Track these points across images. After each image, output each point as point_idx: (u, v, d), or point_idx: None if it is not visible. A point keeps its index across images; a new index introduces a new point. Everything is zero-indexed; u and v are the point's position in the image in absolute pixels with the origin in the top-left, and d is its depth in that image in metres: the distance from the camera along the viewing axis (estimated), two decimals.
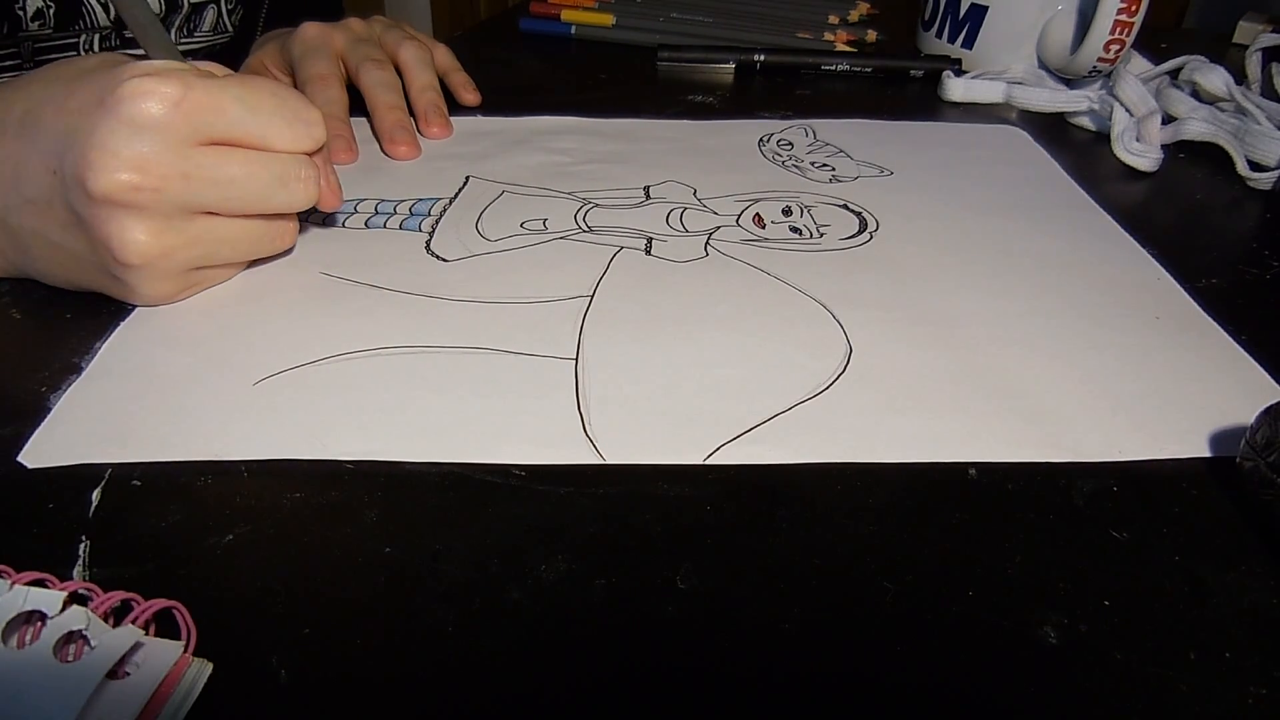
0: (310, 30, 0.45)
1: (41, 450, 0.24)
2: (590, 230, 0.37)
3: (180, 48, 0.52)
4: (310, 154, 0.31)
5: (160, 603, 0.20)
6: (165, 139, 0.27)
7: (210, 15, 0.52)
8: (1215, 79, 0.50)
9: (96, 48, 0.48)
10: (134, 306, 0.31)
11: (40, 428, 0.25)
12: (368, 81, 0.44)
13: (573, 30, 0.66)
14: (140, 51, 0.32)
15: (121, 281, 0.29)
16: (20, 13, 0.43)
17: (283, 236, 0.33)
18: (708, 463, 0.25)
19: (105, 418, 0.26)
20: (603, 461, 0.25)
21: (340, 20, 0.47)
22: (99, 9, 0.45)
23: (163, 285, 0.30)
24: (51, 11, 0.44)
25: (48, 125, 0.28)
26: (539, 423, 0.26)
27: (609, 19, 0.65)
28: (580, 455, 0.25)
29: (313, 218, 0.37)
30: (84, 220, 0.27)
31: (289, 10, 0.55)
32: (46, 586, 0.20)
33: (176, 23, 0.51)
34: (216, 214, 0.29)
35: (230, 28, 0.55)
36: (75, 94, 0.27)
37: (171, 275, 0.29)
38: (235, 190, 0.29)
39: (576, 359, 0.29)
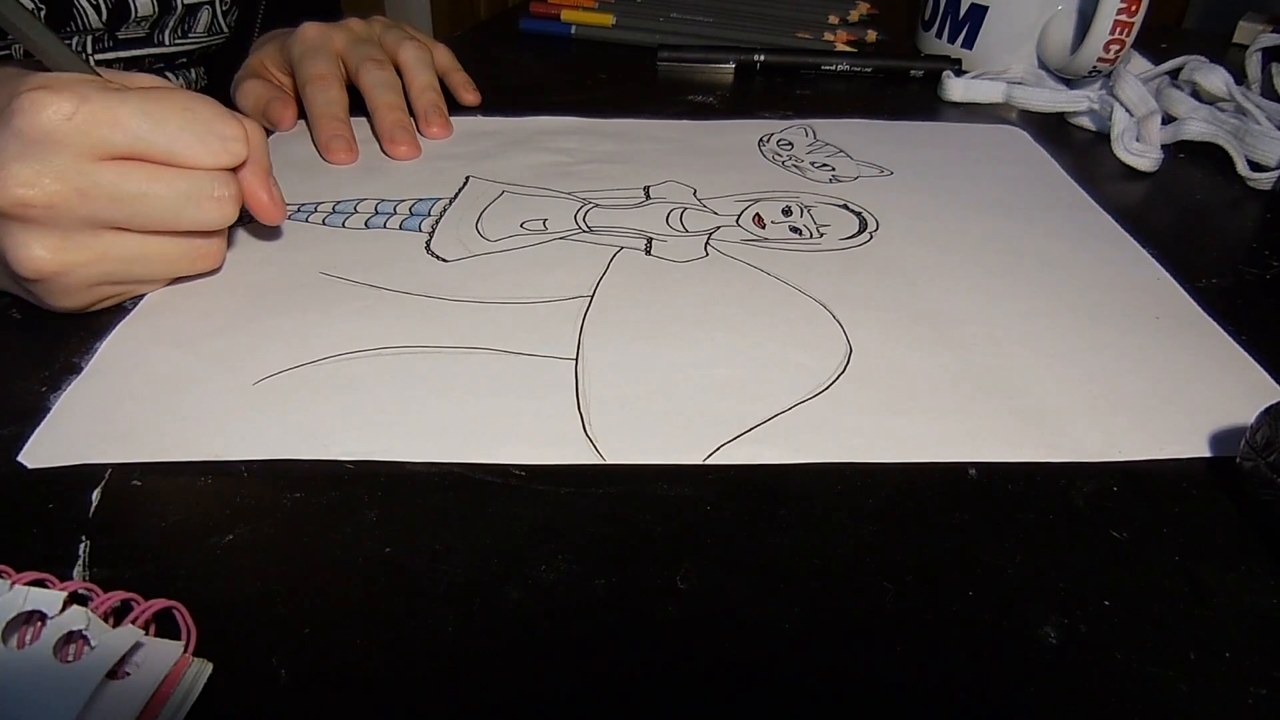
0: (310, 30, 0.45)
1: (41, 450, 0.24)
2: (590, 230, 0.37)
3: (175, 49, 0.52)
4: (233, 169, 0.30)
5: (160, 603, 0.20)
6: (58, 154, 0.26)
7: (205, 16, 0.52)
8: (1215, 79, 0.50)
9: (89, 49, 0.48)
10: (134, 306, 0.30)
11: (39, 428, 0.25)
12: (368, 81, 0.44)
13: (572, 30, 0.66)
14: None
15: (30, 293, 0.29)
16: None
17: (205, 257, 0.31)
18: (708, 463, 0.25)
19: (105, 417, 0.26)
20: (603, 461, 0.25)
21: (339, 21, 0.47)
22: (90, 11, 0.45)
23: (70, 299, 0.29)
24: (43, 14, 0.44)
25: None
26: (539, 423, 0.26)
27: (609, 19, 0.65)
28: (580, 455, 0.25)
29: (313, 217, 0.37)
30: None
31: (286, 11, 0.55)
32: (46, 586, 0.20)
33: (170, 24, 0.51)
34: (126, 229, 0.28)
35: (226, 29, 0.55)
36: None
37: (77, 290, 0.28)
38: (139, 207, 0.28)
39: (576, 359, 0.29)
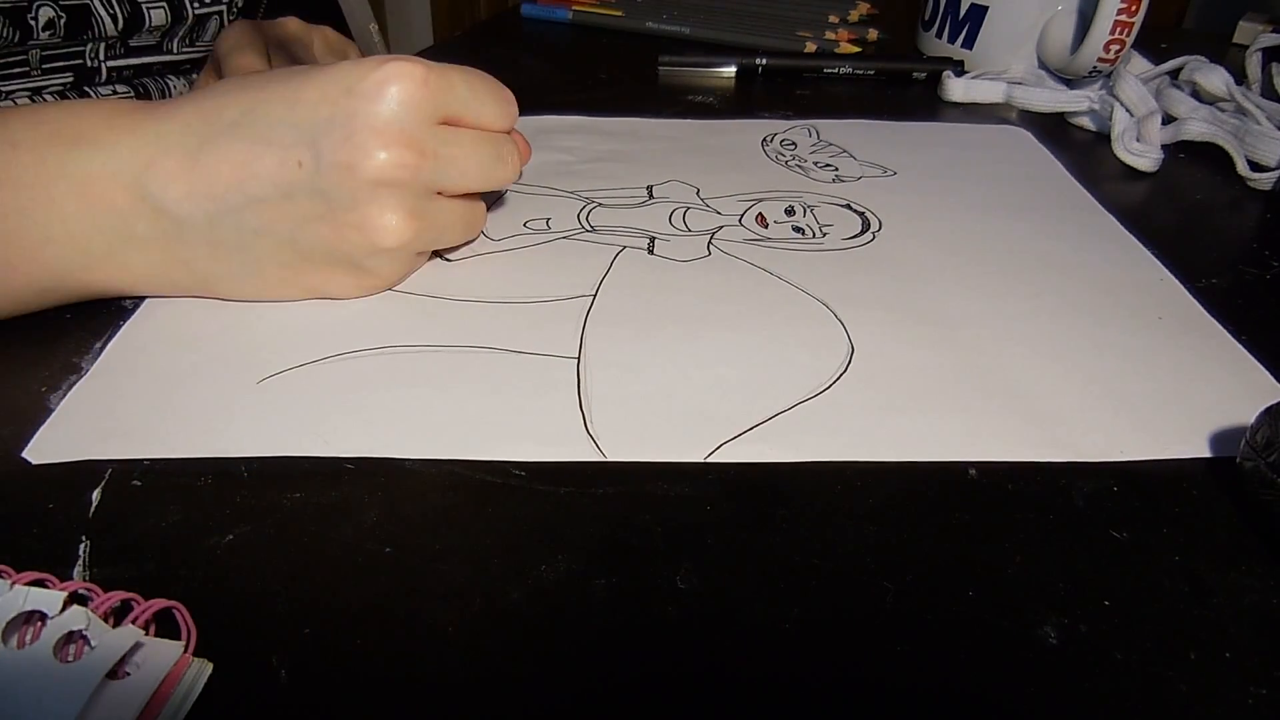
0: (236, 27, 0.44)
1: (46, 446, 0.24)
2: (593, 229, 0.37)
3: (181, 56, 0.52)
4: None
5: (160, 603, 0.20)
6: (419, 116, 0.28)
7: (214, 25, 0.52)
8: (1215, 79, 0.50)
9: (102, 56, 0.48)
10: (135, 307, 0.30)
11: (46, 424, 0.25)
12: None
13: (569, 15, 0.66)
14: None
15: (361, 268, 0.30)
16: (32, 22, 0.43)
17: (482, 218, 0.34)
18: (709, 461, 0.25)
19: (110, 414, 0.26)
20: (604, 459, 0.25)
21: (324, 21, 0.47)
22: (107, 20, 0.46)
23: (400, 269, 0.31)
24: (62, 21, 0.44)
25: (282, 120, 0.27)
26: (541, 421, 0.26)
27: (618, 15, 0.66)
28: (582, 453, 0.25)
29: None
30: (340, 207, 0.28)
31: (280, 11, 0.55)
32: (46, 586, 0.20)
33: (181, 33, 0.51)
34: (442, 195, 0.30)
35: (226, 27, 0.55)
36: (308, 89, 0.27)
37: (410, 258, 0.31)
38: (466, 166, 0.30)
39: (579, 358, 0.29)
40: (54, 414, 0.26)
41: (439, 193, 0.30)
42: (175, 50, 0.52)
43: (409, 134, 0.28)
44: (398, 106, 0.27)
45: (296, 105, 0.27)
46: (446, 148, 0.29)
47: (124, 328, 0.30)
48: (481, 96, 0.30)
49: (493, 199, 0.36)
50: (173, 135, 0.28)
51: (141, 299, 0.31)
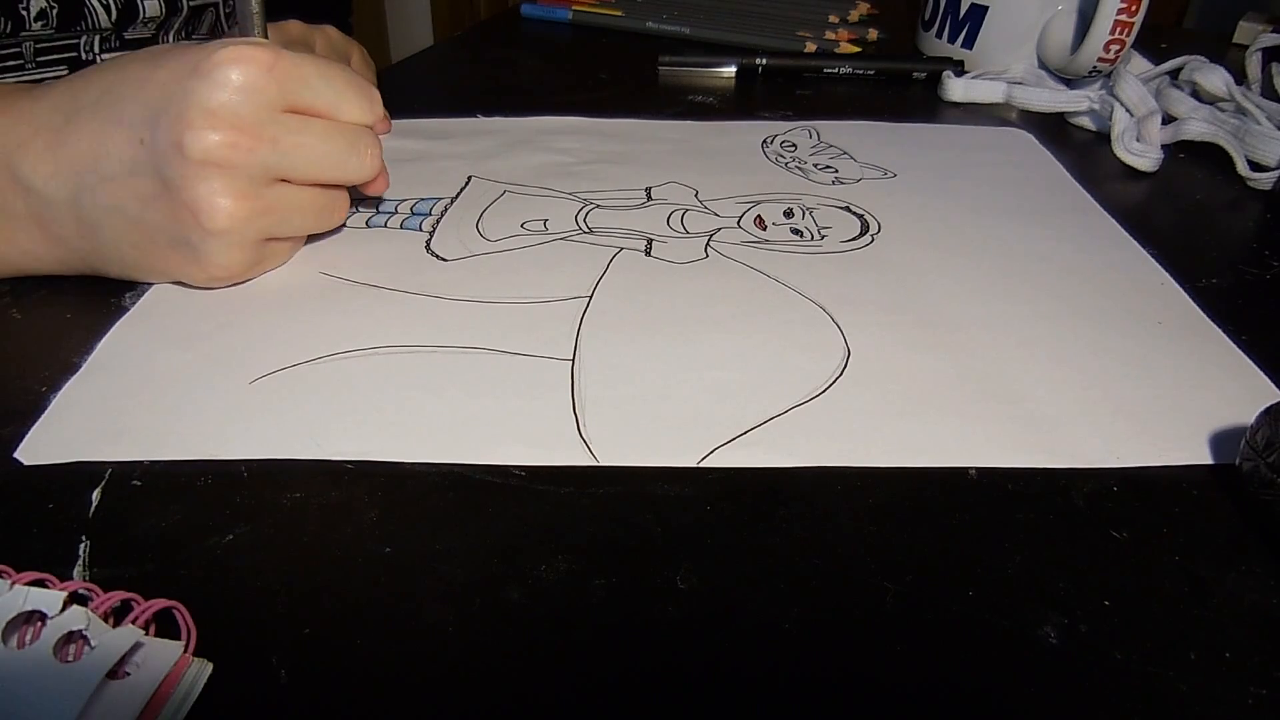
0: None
1: (38, 447, 0.24)
2: (590, 231, 0.37)
3: None
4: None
5: (160, 603, 0.20)
6: (258, 101, 0.28)
7: (209, 18, 0.52)
8: (1215, 79, 0.50)
9: (97, 49, 0.48)
10: (133, 305, 0.31)
11: (36, 424, 0.25)
12: None
13: (569, 15, 0.66)
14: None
15: (197, 251, 0.29)
16: (24, 12, 0.43)
17: (340, 209, 0.34)
18: (703, 465, 0.25)
19: (101, 415, 0.26)
20: (597, 464, 0.25)
21: (349, 18, 0.47)
22: (100, 10, 0.46)
23: (236, 254, 0.30)
24: (55, 12, 0.44)
25: (132, 99, 0.28)
26: (534, 424, 0.26)
27: (618, 14, 0.66)
28: (575, 457, 0.25)
29: None
30: (173, 186, 0.28)
31: (282, 11, 0.55)
32: (46, 586, 0.20)
33: (176, 25, 0.51)
34: (288, 182, 0.30)
35: (228, 29, 0.55)
36: (160, 68, 0.28)
37: (247, 244, 0.30)
38: (313, 155, 0.30)
39: (573, 360, 0.29)
40: (45, 414, 0.26)
41: (286, 180, 0.30)
42: (170, 43, 0.52)
43: (242, 117, 0.28)
44: (235, 89, 0.27)
45: (147, 84, 0.28)
46: (290, 135, 0.29)
47: (116, 326, 0.30)
48: (338, 88, 0.30)
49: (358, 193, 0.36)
50: (42, 115, 0.29)
51: (141, 296, 0.31)
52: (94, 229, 0.29)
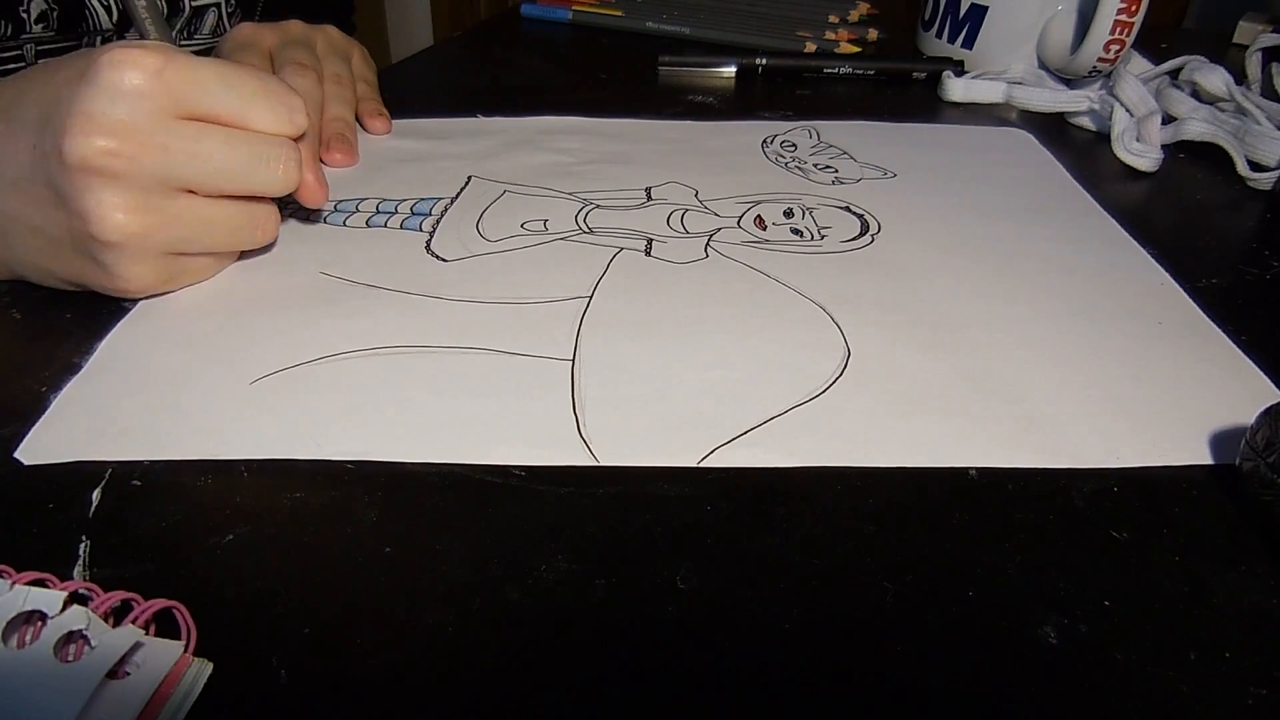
0: (244, 29, 0.44)
1: (38, 447, 0.24)
2: (590, 231, 0.37)
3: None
4: (293, 140, 0.31)
5: (160, 603, 0.20)
6: (144, 107, 0.27)
7: (211, 18, 0.52)
8: (1215, 79, 0.50)
9: None
10: (133, 305, 0.30)
11: (37, 424, 0.25)
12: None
13: (569, 15, 0.66)
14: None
15: (101, 264, 0.28)
16: (24, 15, 0.43)
17: (264, 226, 0.32)
18: (703, 465, 0.25)
19: (101, 415, 0.26)
20: (597, 464, 0.25)
21: (351, 17, 0.47)
22: (101, 12, 0.46)
23: (140, 268, 0.29)
24: (55, 14, 0.44)
25: (30, 103, 0.28)
26: (534, 424, 0.26)
27: (618, 14, 0.66)
28: (575, 458, 0.25)
29: (313, 216, 0.37)
30: (62, 195, 0.27)
31: (283, 10, 0.55)
32: (46, 586, 0.20)
33: (178, 25, 0.51)
34: (194, 194, 0.29)
35: (229, 29, 0.55)
36: (60, 71, 0.28)
37: (150, 257, 0.29)
38: (214, 165, 0.28)
39: (573, 360, 0.29)
40: (45, 414, 0.26)
41: (191, 191, 0.29)
42: (173, 43, 0.52)
43: (125, 122, 0.26)
44: (116, 94, 0.26)
45: (46, 87, 0.27)
46: (182, 142, 0.28)
47: (117, 326, 0.30)
48: (245, 95, 0.29)
49: (299, 209, 0.34)
50: None
51: (140, 298, 0.31)
52: (4, 235, 0.29)
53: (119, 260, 0.28)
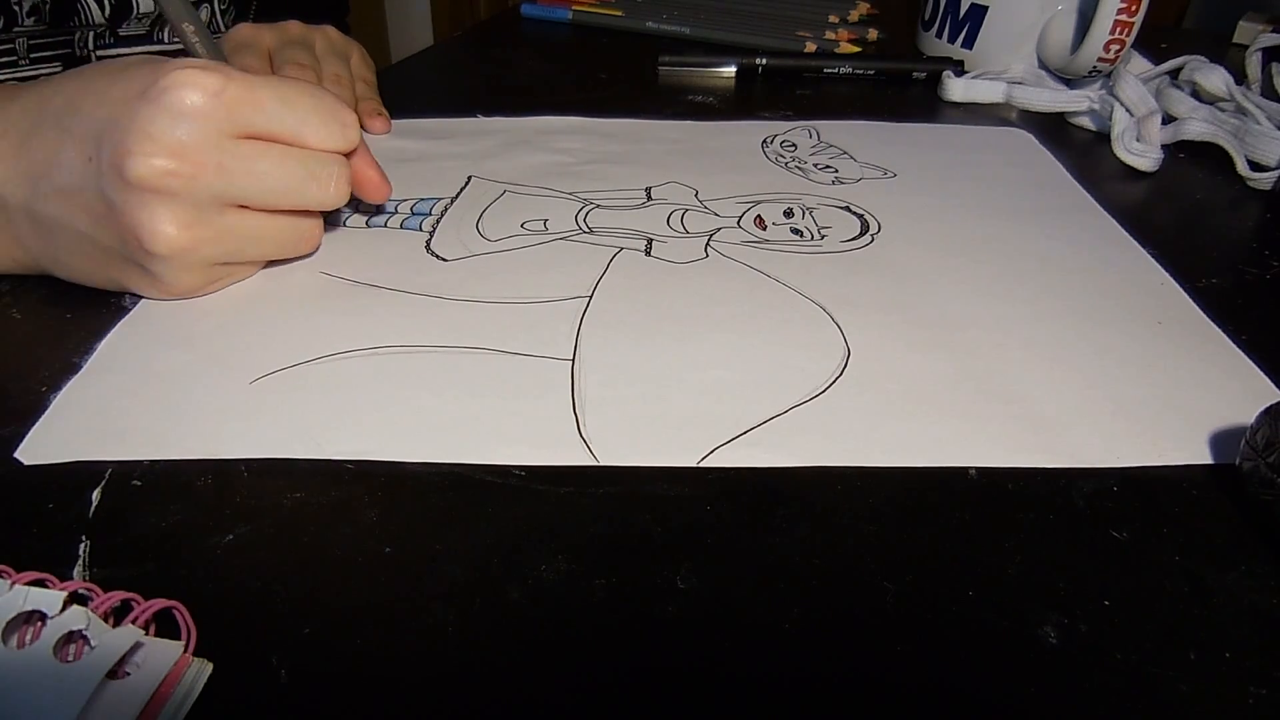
0: (243, 30, 0.44)
1: (38, 447, 0.24)
2: (590, 231, 0.37)
3: (174, 46, 0.52)
4: (345, 154, 0.31)
5: (160, 603, 0.20)
6: (204, 128, 0.27)
7: (204, 15, 0.53)
8: (1215, 79, 0.50)
9: (91, 45, 0.48)
10: (133, 305, 0.31)
11: (37, 424, 0.25)
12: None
13: (569, 15, 0.66)
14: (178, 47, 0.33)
15: (147, 272, 0.29)
16: (16, 8, 0.43)
17: (309, 238, 0.33)
18: (703, 465, 0.25)
19: (102, 415, 0.26)
20: (597, 464, 0.25)
21: (346, 15, 0.47)
22: (94, 6, 0.46)
23: (188, 277, 0.30)
24: (47, 8, 0.44)
25: (87, 114, 0.28)
26: (534, 424, 0.26)
27: (617, 15, 0.66)
28: (575, 457, 0.25)
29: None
30: (116, 208, 0.27)
31: (278, 9, 0.55)
32: (46, 586, 0.20)
33: (169, 25, 0.51)
34: (247, 208, 0.30)
35: (223, 28, 0.55)
36: (117, 85, 0.28)
37: (197, 268, 0.30)
38: (268, 183, 0.29)
39: (573, 360, 0.29)
40: (46, 414, 0.26)
41: (243, 206, 0.29)
42: (166, 39, 0.52)
43: (185, 143, 0.27)
44: (180, 115, 0.27)
45: (103, 101, 0.28)
46: (240, 162, 0.28)
47: (118, 326, 0.30)
48: (301, 114, 0.29)
49: (334, 217, 0.35)
50: (13, 116, 0.29)
51: (140, 298, 0.31)
52: (49, 235, 0.29)
53: (167, 270, 0.29)
